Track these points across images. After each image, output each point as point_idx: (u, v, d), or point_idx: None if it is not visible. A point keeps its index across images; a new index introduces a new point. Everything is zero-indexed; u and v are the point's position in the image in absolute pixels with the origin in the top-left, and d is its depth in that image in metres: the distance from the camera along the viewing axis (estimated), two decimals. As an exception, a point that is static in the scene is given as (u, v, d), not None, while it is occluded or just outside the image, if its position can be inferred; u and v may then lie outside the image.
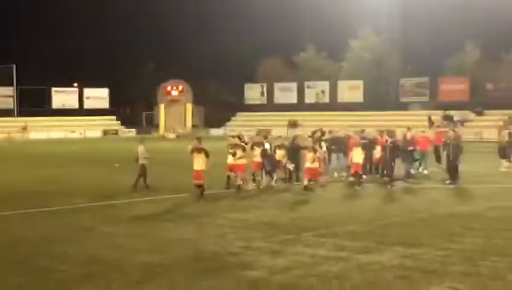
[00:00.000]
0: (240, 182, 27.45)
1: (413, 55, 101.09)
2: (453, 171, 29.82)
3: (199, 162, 25.74)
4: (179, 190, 26.06)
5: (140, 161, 28.74)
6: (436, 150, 36.04)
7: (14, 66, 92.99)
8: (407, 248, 16.13)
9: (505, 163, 36.42)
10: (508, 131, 38.41)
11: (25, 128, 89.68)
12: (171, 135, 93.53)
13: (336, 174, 32.83)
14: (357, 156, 29.37)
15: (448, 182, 29.49)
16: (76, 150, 61.42)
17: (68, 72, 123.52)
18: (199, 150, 26.00)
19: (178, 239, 17.53)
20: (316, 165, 27.76)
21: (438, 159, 35.89)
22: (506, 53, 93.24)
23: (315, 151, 27.95)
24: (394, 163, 29.16)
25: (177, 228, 19.46)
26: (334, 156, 33.19)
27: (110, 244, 17.01)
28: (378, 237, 17.49)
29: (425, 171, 33.60)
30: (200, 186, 25.69)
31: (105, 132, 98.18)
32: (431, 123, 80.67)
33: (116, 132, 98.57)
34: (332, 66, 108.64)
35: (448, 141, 30.38)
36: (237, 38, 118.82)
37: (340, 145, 32.81)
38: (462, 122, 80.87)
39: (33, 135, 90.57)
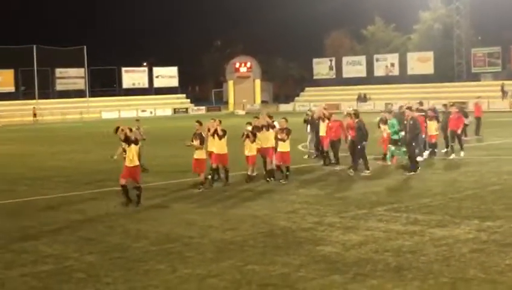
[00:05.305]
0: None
1: (483, 24, 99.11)
2: (411, 157, 25.13)
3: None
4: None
5: None
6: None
7: (85, 48, 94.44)
8: (482, 221, 15.89)
9: None
10: None
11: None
12: (241, 112, 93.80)
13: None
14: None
15: (407, 173, 24.48)
16: (147, 129, 61.97)
17: (137, 52, 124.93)
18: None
19: (250, 216, 17.59)
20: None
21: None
22: None
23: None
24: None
25: (248, 204, 19.53)
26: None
27: (183, 222, 17.17)
28: (452, 211, 17.27)
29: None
30: None
31: (175, 110, 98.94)
32: (504, 93, 79.41)
33: (186, 110, 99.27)
34: (400, 38, 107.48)
35: (405, 122, 25.44)
36: (304, 12, 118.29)
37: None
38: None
39: (105, 115, 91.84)
